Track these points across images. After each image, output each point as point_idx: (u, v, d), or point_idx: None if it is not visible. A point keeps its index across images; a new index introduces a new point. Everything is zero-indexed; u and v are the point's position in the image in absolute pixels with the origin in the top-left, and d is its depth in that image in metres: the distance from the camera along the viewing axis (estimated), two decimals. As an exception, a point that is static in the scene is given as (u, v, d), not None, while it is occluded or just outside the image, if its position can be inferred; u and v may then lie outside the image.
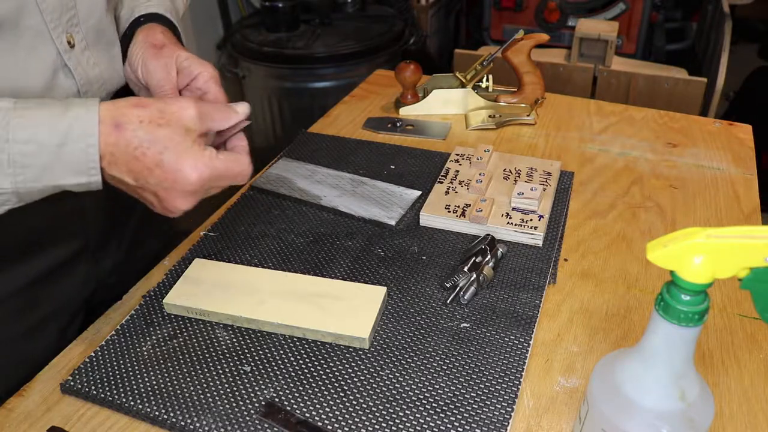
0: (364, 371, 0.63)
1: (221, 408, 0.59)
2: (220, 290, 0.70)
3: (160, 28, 0.71)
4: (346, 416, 0.58)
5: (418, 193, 0.88)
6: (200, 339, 0.67)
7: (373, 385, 0.61)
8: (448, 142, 1.04)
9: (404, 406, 0.59)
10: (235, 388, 0.61)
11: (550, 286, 0.75)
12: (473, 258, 0.73)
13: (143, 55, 0.68)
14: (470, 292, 0.70)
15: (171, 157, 0.54)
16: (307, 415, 0.59)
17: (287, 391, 0.61)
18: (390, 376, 0.62)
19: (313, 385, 0.62)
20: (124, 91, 0.78)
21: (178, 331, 0.68)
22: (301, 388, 0.61)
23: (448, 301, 0.70)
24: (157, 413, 0.59)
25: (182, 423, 0.58)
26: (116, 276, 0.82)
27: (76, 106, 0.53)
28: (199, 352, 0.65)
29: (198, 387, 0.61)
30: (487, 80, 1.12)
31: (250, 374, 0.63)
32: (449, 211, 0.82)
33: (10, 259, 0.69)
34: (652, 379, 0.46)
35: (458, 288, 0.70)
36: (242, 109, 0.62)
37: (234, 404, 0.60)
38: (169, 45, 0.69)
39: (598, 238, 0.83)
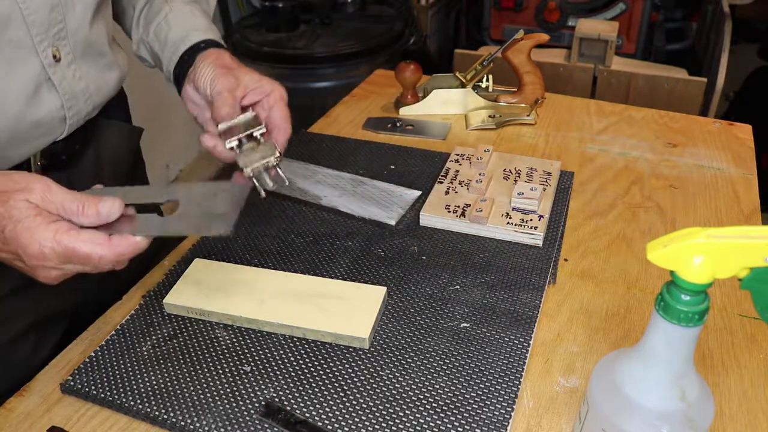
0: (364, 371, 0.63)
1: (221, 408, 0.59)
2: (220, 290, 0.70)
3: (227, 54, 0.75)
4: (346, 416, 0.58)
5: (418, 193, 0.88)
6: (200, 339, 0.67)
7: (373, 385, 0.61)
8: (448, 142, 1.04)
9: (404, 406, 0.59)
10: (235, 388, 0.61)
11: (550, 286, 0.75)
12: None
13: (213, 74, 0.71)
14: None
15: (11, 233, 0.53)
16: (307, 415, 0.59)
17: (287, 391, 0.61)
18: (390, 376, 0.62)
19: (313, 385, 0.62)
20: (113, 102, 0.78)
21: (178, 331, 0.68)
22: (301, 388, 0.61)
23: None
24: (157, 413, 0.59)
25: (182, 423, 0.58)
26: (103, 286, 0.81)
27: None
28: (199, 352, 0.65)
29: (198, 387, 0.61)
30: (487, 80, 1.13)
31: (250, 374, 0.63)
32: (449, 211, 0.82)
33: None
34: (652, 379, 0.46)
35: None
36: (106, 209, 0.55)
37: (234, 404, 0.60)
38: (238, 67, 0.73)
39: (598, 238, 0.83)
